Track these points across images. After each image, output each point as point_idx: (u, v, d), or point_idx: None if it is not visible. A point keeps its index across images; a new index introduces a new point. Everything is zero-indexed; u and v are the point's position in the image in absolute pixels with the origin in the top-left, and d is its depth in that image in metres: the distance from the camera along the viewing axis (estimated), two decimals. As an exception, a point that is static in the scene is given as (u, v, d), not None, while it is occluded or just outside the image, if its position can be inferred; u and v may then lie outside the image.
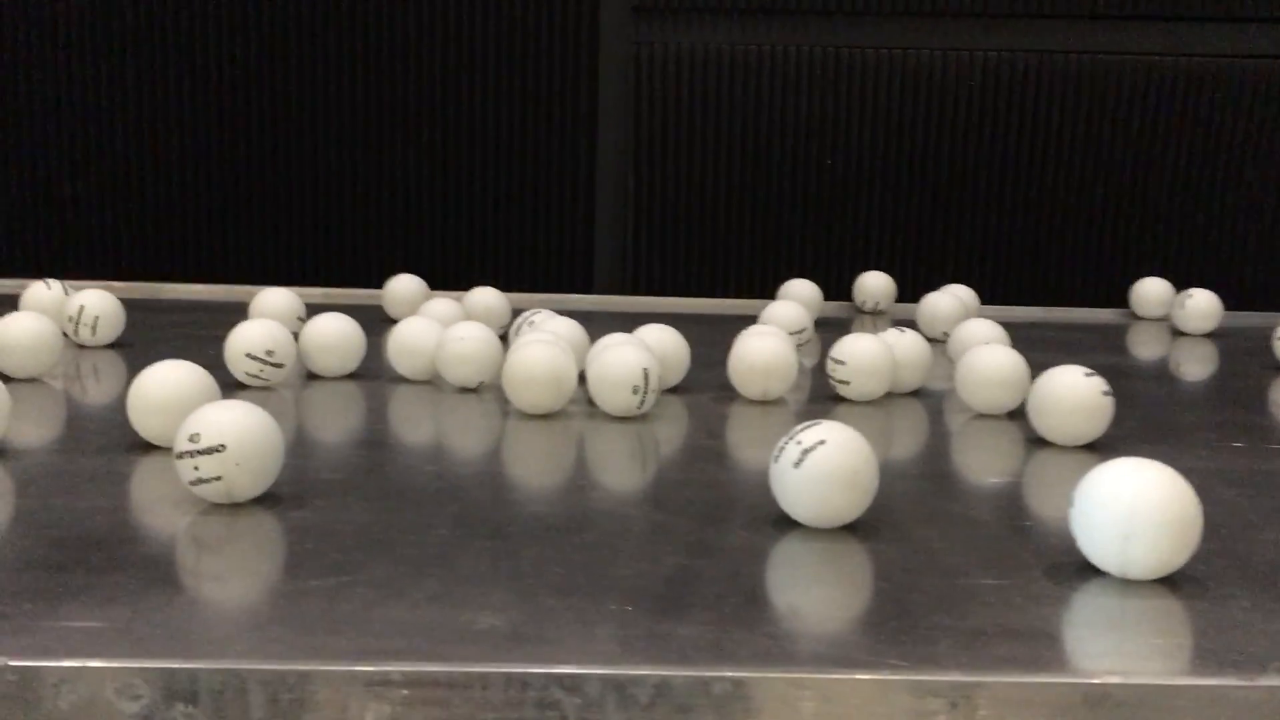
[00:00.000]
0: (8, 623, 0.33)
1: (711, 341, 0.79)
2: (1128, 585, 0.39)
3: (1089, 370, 0.58)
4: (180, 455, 0.44)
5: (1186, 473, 0.51)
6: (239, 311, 0.84)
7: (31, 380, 0.68)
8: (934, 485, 0.52)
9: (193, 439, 0.44)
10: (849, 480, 0.43)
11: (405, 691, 0.30)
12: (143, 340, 0.81)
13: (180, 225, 1.10)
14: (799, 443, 0.43)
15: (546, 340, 0.63)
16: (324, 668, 0.30)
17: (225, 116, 1.08)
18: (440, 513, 0.45)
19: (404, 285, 0.93)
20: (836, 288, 1.05)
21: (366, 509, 0.46)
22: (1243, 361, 0.88)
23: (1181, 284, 1.05)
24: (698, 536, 0.43)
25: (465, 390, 0.68)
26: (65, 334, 0.76)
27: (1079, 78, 1.11)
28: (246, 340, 0.66)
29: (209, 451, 0.44)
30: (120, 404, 0.55)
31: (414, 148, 1.10)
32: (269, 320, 0.68)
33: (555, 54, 1.09)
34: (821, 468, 0.43)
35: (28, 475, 0.50)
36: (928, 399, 0.70)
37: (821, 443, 0.43)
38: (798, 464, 0.43)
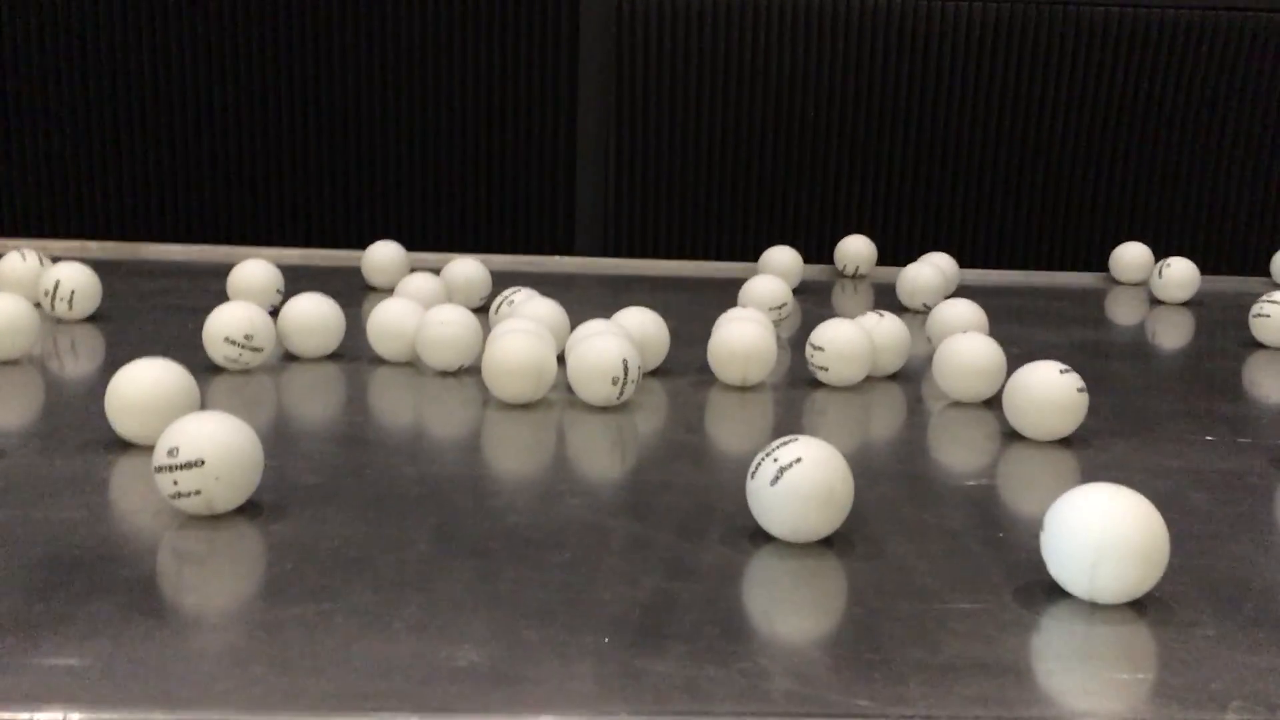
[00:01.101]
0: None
1: (691, 316, 0.80)
2: (1095, 610, 0.40)
3: (1064, 366, 0.59)
4: (159, 469, 0.44)
5: (1159, 474, 0.52)
6: (217, 276, 0.84)
7: (8, 362, 0.68)
8: (909, 487, 0.53)
9: (171, 453, 0.44)
10: (825, 498, 0.43)
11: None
12: (120, 313, 0.81)
13: (160, 185, 1.09)
14: (775, 459, 0.44)
15: (527, 329, 0.63)
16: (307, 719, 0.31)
17: (207, 77, 1.07)
18: (421, 525, 0.46)
19: (383, 253, 0.92)
20: (818, 251, 1.05)
21: (346, 520, 0.46)
22: (1218, 334, 0.89)
23: (1161, 247, 1.05)
24: (675, 554, 0.44)
25: (445, 374, 0.68)
26: (39, 305, 0.75)
27: (1061, 44, 1.10)
28: (225, 324, 0.66)
29: (188, 466, 0.44)
30: (98, 388, 0.54)
31: (394, 108, 1.09)
32: (248, 304, 0.68)
33: (536, 12, 1.07)
34: (798, 486, 0.43)
35: (7, 480, 0.50)
36: (906, 383, 0.70)
37: (798, 460, 0.44)
38: (774, 481, 0.43)
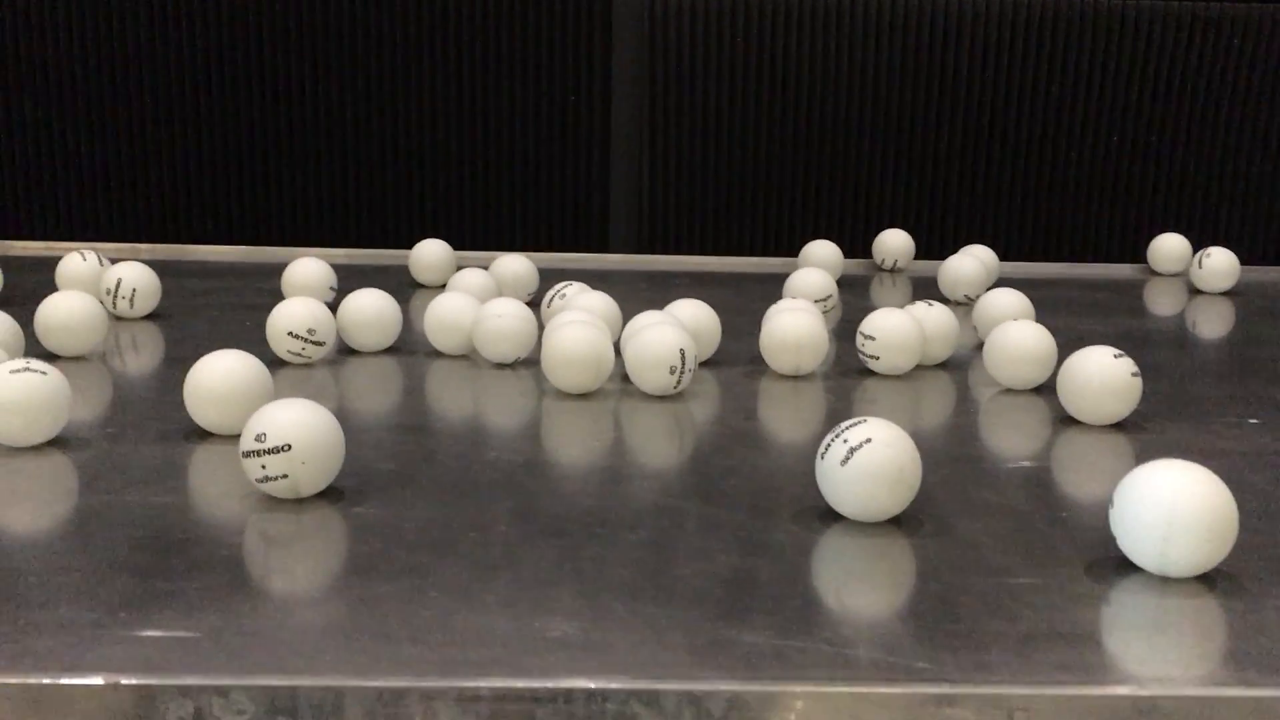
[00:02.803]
0: (107, 633, 0.35)
1: (738, 309, 0.81)
2: (1166, 583, 0.41)
3: (1118, 351, 0.60)
4: (247, 454, 0.46)
5: (1214, 456, 0.53)
6: (269, 275, 0.86)
7: (77, 359, 0.69)
8: (970, 470, 0.54)
9: (259, 439, 0.46)
10: (895, 477, 0.45)
11: (493, 705, 0.32)
12: (179, 310, 0.82)
13: (207, 188, 1.11)
14: (845, 440, 0.45)
15: (584, 320, 0.64)
16: (417, 684, 0.32)
17: (252, 81, 1.09)
18: (498, 508, 0.47)
19: (431, 250, 0.94)
20: (854, 246, 1.06)
21: (426, 504, 0.47)
22: (1258, 324, 0.89)
23: (1199, 238, 1.06)
24: (748, 532, 0.45)
25: (501, 366, 0.69)
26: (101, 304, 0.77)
27: (1095, 35, 1.11)
28: (288, 319, 0.68)
29: (275, 451, 0.45)
30: (168, 381, 0.56)
31: (434, 110, 1.10)
32: (310, 299, 0.69)
33: (569, 14, 1.09)
34: (868, 466, 0.44)
35: (94, 469, 0.51)
36: (955, 371, 0.71)
37: (868, 441, 0.45)
38: (844, 462, 0.45)
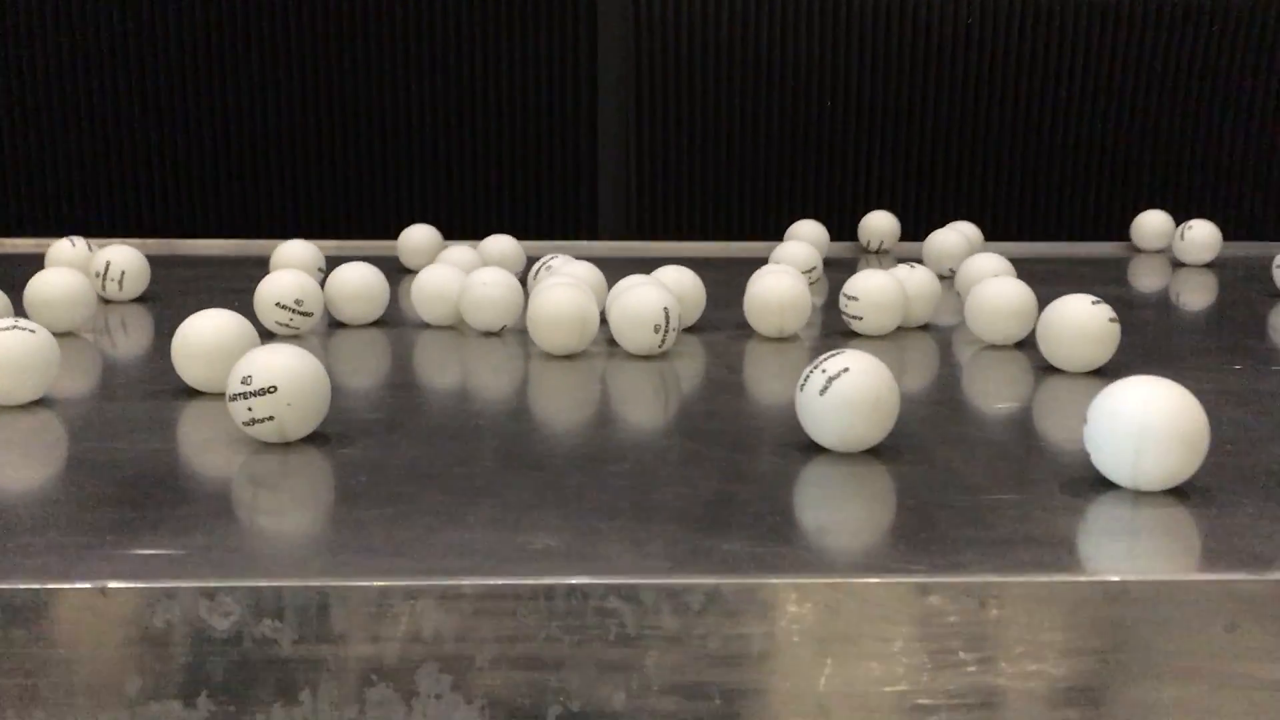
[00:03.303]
0: (95, 551, 0.36)
1: (724, 283, 0.81)
2: (1140, 496, 0.41)
3: (1095, 298, 0.60)
4: (234, 397, 0.46)
5: (1195, 394, 0.53)
6: (258, 265, 0.86)
7: (66, 335, 0.70)
8: (950, 411, 0.54)
9: (245, 381, 0.46)
10: (873, 405, 0.45)
11: (475, 604, 0.33)
12: (168, 294, 0.83)
13: (195, 182, 1.11)
14: (824, 371, 0.46)
15: (569, 283, 0.65)
16: (399, 583, 0.33)
17: (239, 74, 1.10)
18: (482, 447, 0.48)
19: (419, 235, 0.94)
20: (840, 229, 1.07)
21: (411, 446, 0.48)
22: (1241, 290, 0.90)
23: (1182, 216, 1.07)
24: (730, 462, 0.45)
25: (488, 334, 0.70)
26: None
27: (1076, 13, 1.12)
28: (276, 289, 0.68)
29: (262, 393, 0.46)
30: (157, 354, 0.57)
31: (420, 101, 1.11)
32: (297, 270, 0.70)
33: (555, 7, 1.10)
34: (846, 394, 0.45)
35: (81, 422, 0.52)
36: (937, 333, 0.72)
37: (846, 370, 0.45)
38: (823, 391, 0.45)
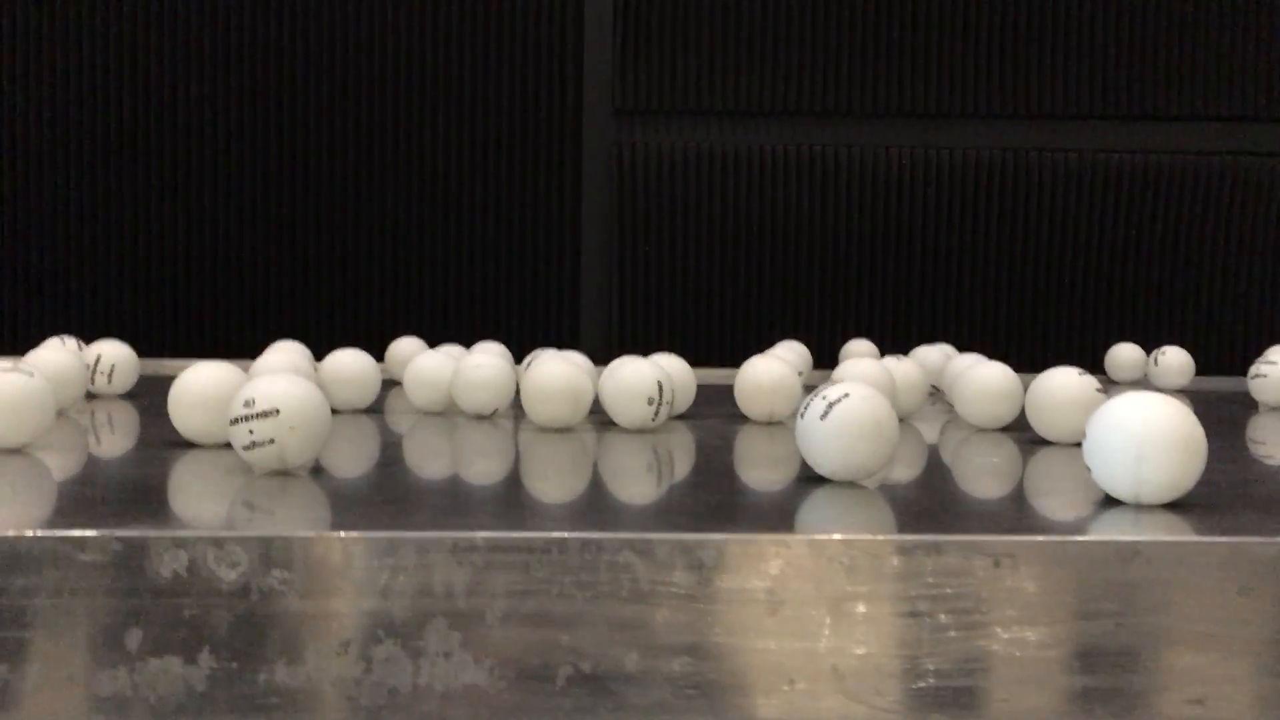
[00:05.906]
0: (102, 520, 0.35)
1: (713, 383, 0.83)
2: (1142, 508, 0.42)
3: (1082, 370, 0.62)
4: (235, 420, 0.46)
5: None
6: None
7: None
8: (946, 470, 0.55)
9: (248, 404, 0.46)
10: (875, 429, 0.46)
11: (487, 556, 0.32)
12: (156, 390, 0.83)
13: (181, 298, 1.13)
14: (824, 398, 0.46)
15: (563, 357, 0.66)
16: (412, 535, 0.32)
17: (216, 191, 1.12)
18: (483, 484, 0.47)
19: (407, 347, 0.95)
20: (820, 359, 1.09)
21: (413, 479, 0.48)
22: (1216, 405, 0.92)
23: (1153, 348, 1.09)
24: (734, 489, 0.45)
25: (481, 417, 0.70)
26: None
27: (1046, 171, 1.17)
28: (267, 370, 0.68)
29: (263, 415, 0.46)
30: (149, 439, 0.56)
31: (408, 234, 1.14)
32: (283, 364, 0.70)
33: (541, 151, 1.15)
34: (847, 418, 0.45)
35: (79, 462, 0.51)
36: (925, 422, 0.73)
37: (846, 395, 0.46)
38: (824, 416, 0.46)
